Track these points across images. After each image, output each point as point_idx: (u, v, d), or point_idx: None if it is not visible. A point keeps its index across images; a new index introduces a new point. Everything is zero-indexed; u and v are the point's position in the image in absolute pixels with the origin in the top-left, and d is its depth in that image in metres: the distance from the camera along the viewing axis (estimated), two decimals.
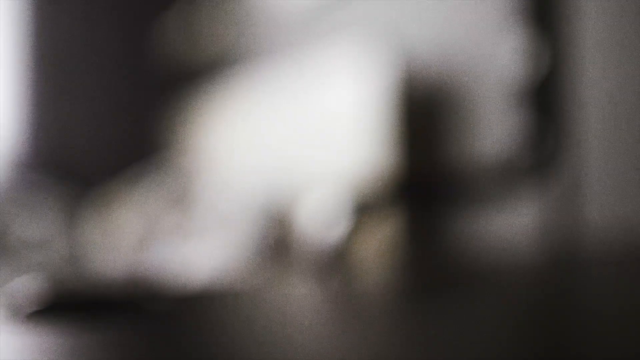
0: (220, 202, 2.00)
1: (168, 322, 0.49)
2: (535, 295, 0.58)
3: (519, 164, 1.28)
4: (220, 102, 2.16)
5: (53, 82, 2.57)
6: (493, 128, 1.38)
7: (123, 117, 2.63)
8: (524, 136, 1.28)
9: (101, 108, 2.61)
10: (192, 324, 0.48)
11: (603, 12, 1.19)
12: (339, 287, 0.74)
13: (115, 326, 0.48)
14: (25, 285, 0.64)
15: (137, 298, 0.57)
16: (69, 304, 0.55)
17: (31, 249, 2.33)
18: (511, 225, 1.32)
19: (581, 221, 1.21)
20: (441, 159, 1.49)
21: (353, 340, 0.39)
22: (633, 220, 1.13)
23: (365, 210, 1.35)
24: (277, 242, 1.76)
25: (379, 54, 1.54)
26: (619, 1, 1.17)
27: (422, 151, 1.52)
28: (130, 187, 2.58)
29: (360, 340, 0.39)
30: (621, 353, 0.32)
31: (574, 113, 1.24)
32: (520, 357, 0.32)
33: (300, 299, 0.63)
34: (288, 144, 1.82)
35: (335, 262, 1.32)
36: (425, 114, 1.52)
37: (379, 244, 1.38)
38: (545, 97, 1.26)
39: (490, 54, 1.38)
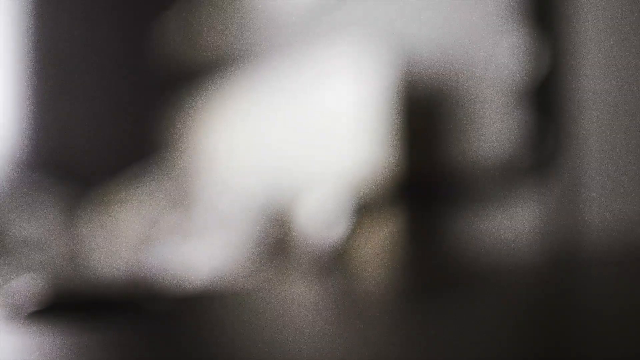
0: (220, 202, 2.00)
1: (168, 322, 0.49)
2: (535, 295, 0.58)
3: (519, 164, 1.28)
4: (220, 102, 2.16)
5: (53, 82, 2.57)
6: (493, 128, 1.38)
7: (123, 117, 2.63)
8: (524, 136, 1.28)
9: (101, 108, 2.61)
10: (192, 324, 0.48)
11: (603, 12, 1.19)
12: (339, 287, 0.74)
13: (115, 326, 0.48)
14: (25, 285, 0.64)
15: (137, 298, 0.57)
16: (69, 304, 0.55)
17: (31, 249, 2.33)
18: (511, 225, 1.32)
19: (581, 221, 1.21)
20: (441, 159, 1.49)
21: (353, 340, 0.39)
22: (633, 220, 1.13)
23: (365, 210, 1.35)
24: (277, 242, 1.76)
25: (378, 54, 1.54)
26: (619, 1, 1.17)
27: (422, 151, 1.52)
28: (130, 187, 2.57)
29: (360, 340, 0.39)
30: (621, 353, 0.32)
31: (574, 113, 1.24)
32: (520, 357, 0.32)
33: (300, 299, 0.63)
34: (288, 144, 1.82)
35: (335, 262, 1.31)
36: (425, 114, 1.52)
37: (379, 244, 1.38)
38: (545, 97, 1.26)
39: (490, 54, 1.38)
